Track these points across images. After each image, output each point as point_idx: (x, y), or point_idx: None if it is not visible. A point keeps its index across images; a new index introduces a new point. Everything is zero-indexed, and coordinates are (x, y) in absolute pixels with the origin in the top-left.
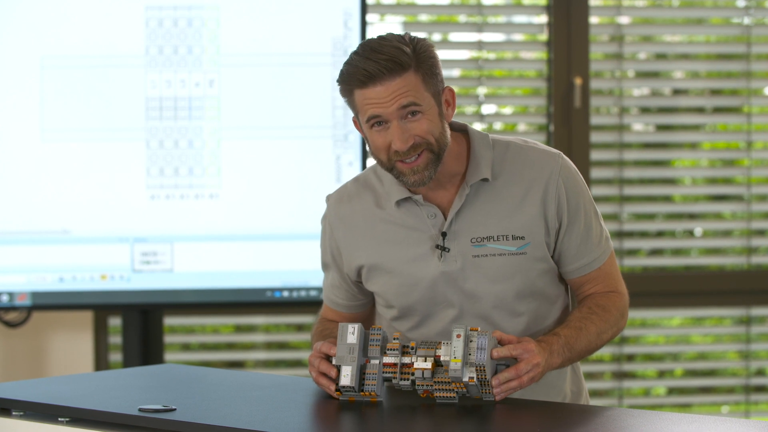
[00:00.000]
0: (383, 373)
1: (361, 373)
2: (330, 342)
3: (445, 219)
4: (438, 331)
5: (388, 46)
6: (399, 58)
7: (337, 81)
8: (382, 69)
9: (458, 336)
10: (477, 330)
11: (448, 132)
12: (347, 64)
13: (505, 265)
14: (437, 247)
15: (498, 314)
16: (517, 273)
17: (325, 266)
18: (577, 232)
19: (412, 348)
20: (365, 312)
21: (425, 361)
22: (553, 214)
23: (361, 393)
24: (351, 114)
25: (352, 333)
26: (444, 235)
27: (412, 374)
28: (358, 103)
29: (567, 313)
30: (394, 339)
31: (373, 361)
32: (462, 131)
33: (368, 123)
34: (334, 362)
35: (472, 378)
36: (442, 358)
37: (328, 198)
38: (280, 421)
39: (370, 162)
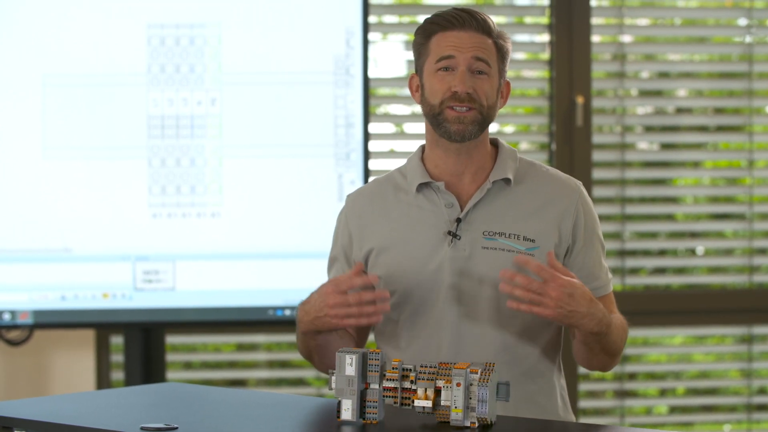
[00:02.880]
0: (383, 397)
1: (361, 399)
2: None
3: (462, 210)
4: (435, 320)
5: (481, 12)
6: (488, 23)
7: (418, 29)
8: (473, 21)
9: (458, 385)
10: (477, 372)
11: (496, 113)
12: (435, 13)
13: (511, 261)
14: (449, 233)
15: (495, 312)
16: (521, 272)
17: (331, 262)
18: (591, 255)
19: (412, 370)
20: None
21: (425, 392)
22: (569, 230)
23: (363, 421)
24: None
25: (350, 364)
26: (458, 222)
27: (413, 402)
28: (433, 45)
29: (560, 337)
30: (393, 367)
31: (372, 386)
32: (493, 143)
33: (437, 64)
34: (334, 395)
35: (474, 423)
36: (442, 402)
37: (348, 196)
38: None
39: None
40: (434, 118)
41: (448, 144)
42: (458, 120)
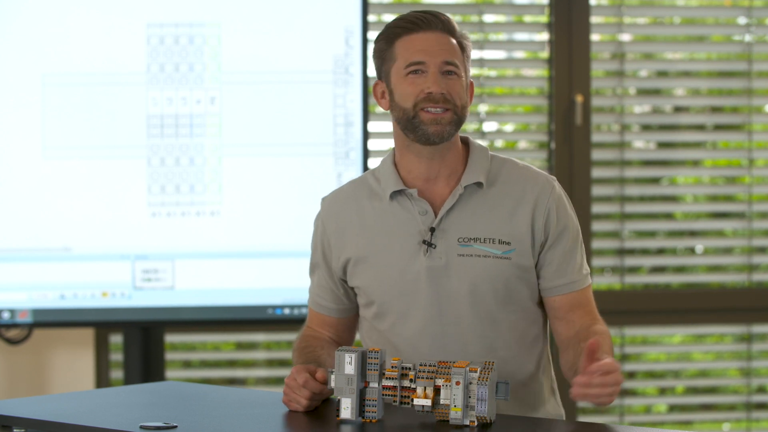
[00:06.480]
0: (383, 396)
1: (361, 398)
2: (308, 370)
3: (436, 216)
4: (416, 330)
5: (443, 14)
6: (452, 23)
7: (380, 33)
8: (438, 22)
9: (458, 383)
10: (476, 371)
11: (468, 113)
12: (397, 18)
13: (488, 266)
14: (424, 242)
15: (476, 318)
16: (499, 277)
17: (313, 267)
18: (561, 250)
19: (412, 369)
20: (349, 319)
21: (425, 391)
22: (541, 227)
23: (362, 420)
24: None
25: (349, 363)
26: (432, 231)
27: (412, 401)
28: (399, 50)
29: (545, 336)
30: (392, 366)
31: (372, 385)
32: (463, 141)
33: (406, 69)
34: (334, 393)
35: (473, 422)
36: (441, 401)
37: (323, 199)
38: None
39: None
40: (408, 122)
41: (420, 148)
42: (435, 121)
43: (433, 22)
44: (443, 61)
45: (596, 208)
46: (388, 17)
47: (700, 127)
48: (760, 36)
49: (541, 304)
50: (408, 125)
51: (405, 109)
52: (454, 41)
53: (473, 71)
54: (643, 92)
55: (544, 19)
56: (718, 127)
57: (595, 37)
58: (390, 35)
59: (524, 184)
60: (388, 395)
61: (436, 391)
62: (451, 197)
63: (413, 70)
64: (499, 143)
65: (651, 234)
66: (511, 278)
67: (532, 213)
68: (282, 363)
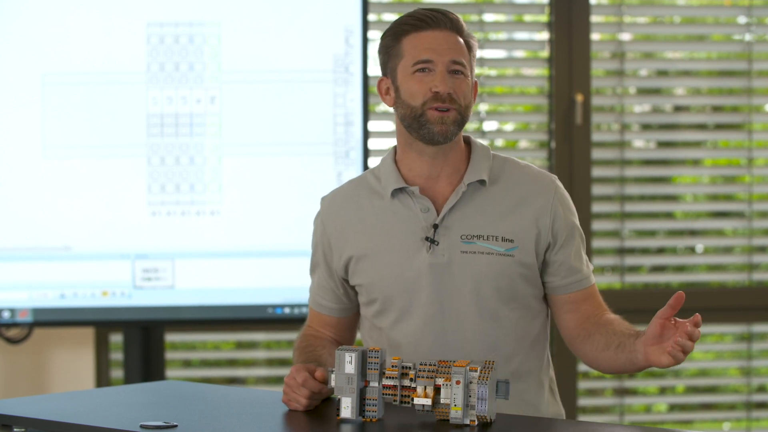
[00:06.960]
0: (383, 395)
1: (361, 397)
2: (307, 369)
3: (438, 214)
4: (418, 327)
5: (452, 12)
6: (460, 22)
7: (387, 29)
8: (447, 21)
9: (458, 383)
10: (477, 370)
11: (471, 112)
12: (405, 14)
13: (491, 264)
14: (427, 239)
15: (478, 315)
16: (502, 274)
17: (313, 267)
18: (571, 249)
19: (412, 368)
20: (349, 318)
21: (425, 390)
22: (547, 226)
23: (363, 419)
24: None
25: (349, 362)
26: (435, 227)
27: (413, 399)
28: (407, 47)
29: (546, 335)
30: (393, 366)
31: (372, 384)
32: (465, 140)
33: (414, 67)
34: (334, 392)
35: (473, 421)
36: (442, 400)
37: (323, 199)
38: None
39: None
40: (415, 120)
41: (423, 147)
42: (441, 120)
43: (441, 20)
44: (451, 60)
45: (596, 208)
46: (389, 16)
47: (701, 127)
48: (760, 35)
49: (543, 302)
50: (413, 123)
51: (412, 107)
52: (461, 40)
53: None
54: (643, 91)
55: (544, 18)
56: (719, 127)
57: (595, 36)
58: (398, 32)
59: (527, 184)
60: (389, 394)
61: (437, 390)
62: (454, 195)
63: (420, 68)
64: (500, 142)
65: (651, 233)
66: (515, 276)
67: (536, 213)
68: (282, 362)
